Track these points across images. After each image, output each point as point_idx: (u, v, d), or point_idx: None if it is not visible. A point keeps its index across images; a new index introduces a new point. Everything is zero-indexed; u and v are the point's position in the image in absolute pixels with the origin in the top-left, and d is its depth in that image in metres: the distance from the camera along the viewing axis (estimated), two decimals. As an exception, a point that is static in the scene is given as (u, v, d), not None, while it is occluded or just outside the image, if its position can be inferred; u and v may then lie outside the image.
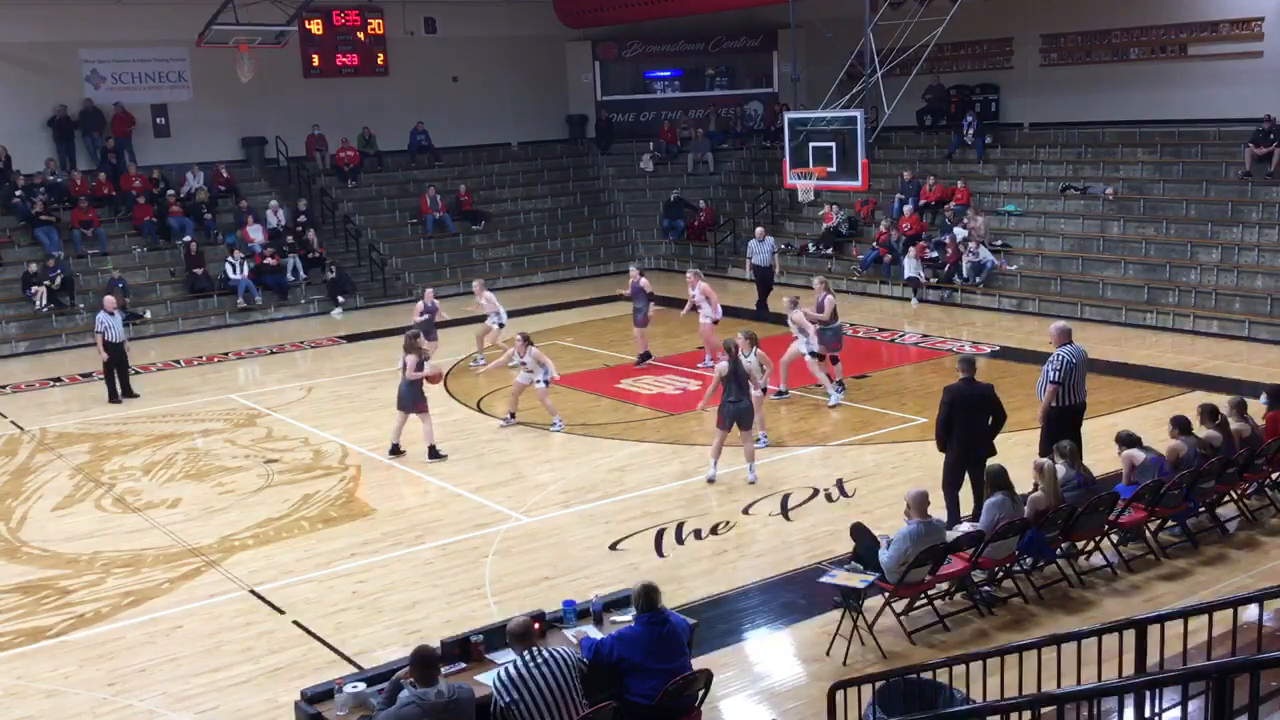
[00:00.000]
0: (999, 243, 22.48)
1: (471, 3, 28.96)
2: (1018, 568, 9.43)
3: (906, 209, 23.93)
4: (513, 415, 14.89)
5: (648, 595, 6.75)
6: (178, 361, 18.55)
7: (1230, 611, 6.56)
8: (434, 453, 13.58)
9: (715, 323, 17.04)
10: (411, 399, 13.52)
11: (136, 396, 17.40)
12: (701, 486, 12.33)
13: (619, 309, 22.70)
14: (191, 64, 25.63)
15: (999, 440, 10.75)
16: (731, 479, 12.51)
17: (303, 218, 25.38)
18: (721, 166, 30.10)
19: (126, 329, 21.90)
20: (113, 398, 17.25)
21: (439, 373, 14.40)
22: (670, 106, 31.35)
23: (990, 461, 9.98)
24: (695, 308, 17.10)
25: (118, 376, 17.30)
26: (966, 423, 10.41)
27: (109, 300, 17.62)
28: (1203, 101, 22.17)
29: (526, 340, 14.44)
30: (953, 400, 10.44)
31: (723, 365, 12.24)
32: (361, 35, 27.98)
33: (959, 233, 22.48)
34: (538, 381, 14.37)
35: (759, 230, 21.98)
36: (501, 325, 18.04)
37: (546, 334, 19.10)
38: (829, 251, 24.75)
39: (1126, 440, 10.42)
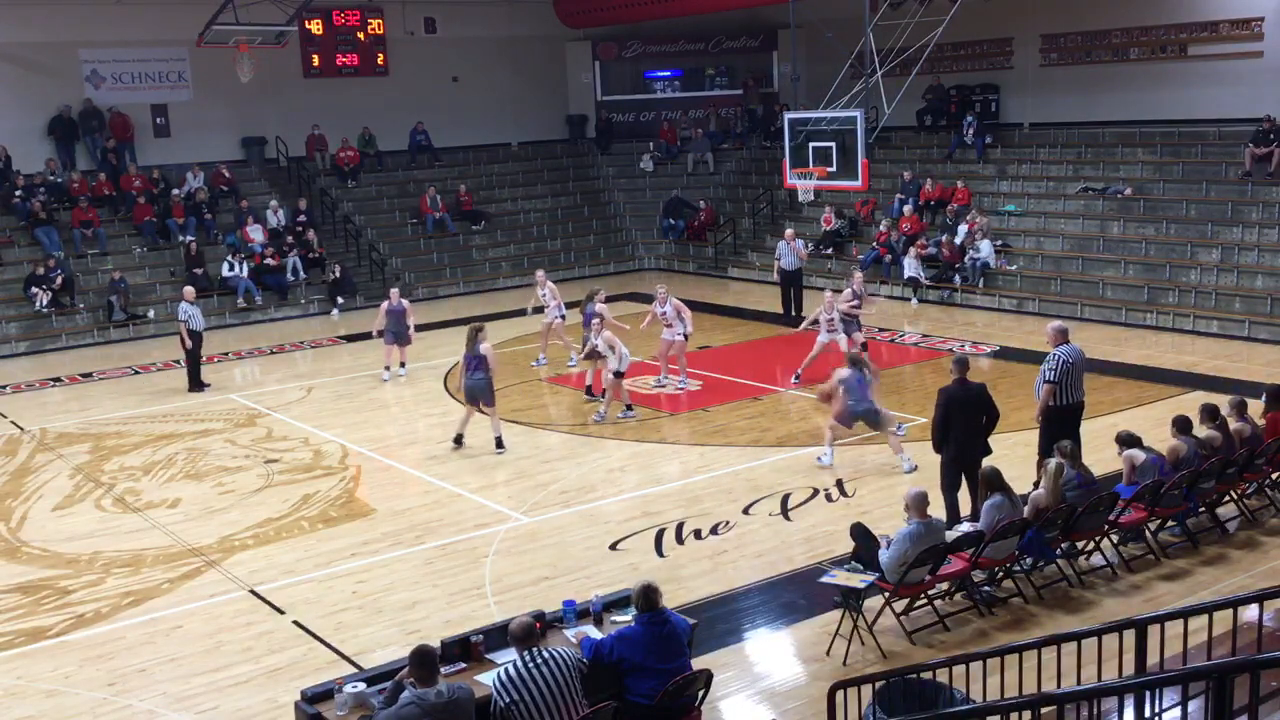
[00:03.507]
0: (999, 243, 22.47)
1: (471, 3, 28.97)
2: (1018, 568, 9.43)
3: (906, 209, 23.94)
4: (630, 407, 15.06)
5: (648, 595, 6.75)
6: (177, 361, 18.52)
7: (1230, 611, 6.55)
8: (499, 444, 13.69)
9: (686, 337, 16.24)
10: (482, 392, 13.52)
11: (208, 386, 17.62)
12: (702, 486, 12.33)
13: (619, 309, 22.70)
14: (191, 64, 25.64)
15: (996, 440, 10.76)
16: (731, 479, 12.51)
17: (303, 218, 25.39)
18: (721, 166, 30.11)
19: (128, 329, 22.17)
20: (193, 386, 17.53)
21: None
22: (670, 106, 31.36)
23: (984, 463, 9.97)
24: (668, 325, 16.20)
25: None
26: (962, 423, 10.42)
27: (189, 291, 17.95)
28: (1203, 101, 22.16)
29: (602, 323, 14.87)
30: (948, 402, 10.44)
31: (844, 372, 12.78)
32: (361, 35, 27.99)
33: (961, 230, 22.48)
34: (610, 371, 14.62)
35: (788, 232, 21.58)
36: (563, 318, 17.61)
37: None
38: (829, 251, 24.76)
39: (1126, 440, 10.42)
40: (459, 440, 13.91)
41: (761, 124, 30.19)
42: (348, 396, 16.97)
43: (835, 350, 15.90)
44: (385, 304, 17.50)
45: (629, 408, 14.98)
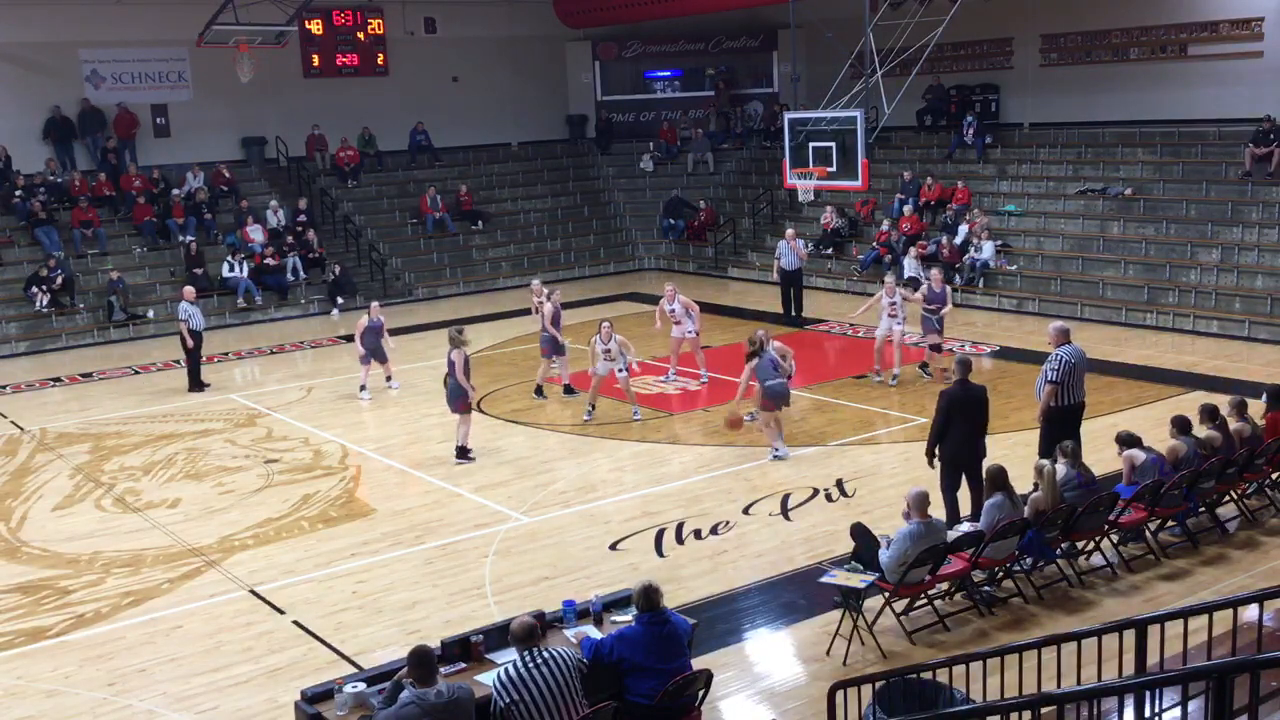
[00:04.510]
0: (999, 243, 22.48)
1: (471, 3, 28.97)
2: (1018, 568, 9.43)
3: (906, 209, 23.93)
4: (593, 407, 14.93)
5: (648, 595, 6.75)
6: (177, 361, 18.52)
7: (1230, 611, 6.55)
8: (462, 453, 13.49)
9: (696, 333, 16.53)
10: (458, 398, 13.35)
11: (208, 386, 17.58)
12: (702, 486, 12.34)
13: (619, 309, 22.72)
14: (191, 64, 25.64)
15: (998, 440, 10.76)
16: (731, 479, 12.52)
17: (303, 218, 25.39)
18: (721, 166, 30.11)
19: (128, 329, 22.18)
20: (193, 386, 17.49)
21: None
22: (670, 106, 31.35)
23: (990, 462, 9.96)
24: (677, 323, 16.44)
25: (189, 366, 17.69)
26: (964, 424, 10.40)
27: (189, 290, 17.89)
28: (1203, 101, 22.16)
29: (610, 326, 14.72)
30: (949, 405, 10.42)
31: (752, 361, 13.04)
32: (361, 35, 27.99)
33: (962, 230, 22.49)
34: (619, 370, 14.53)
35: (789, 232, 21.47)
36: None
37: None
38: (829, 251, 24.75)
39: (1126, 440, 10.42)
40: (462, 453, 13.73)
41: (739, 125, 30.35)
42: (348, 396, 16.95)
43: (891, 339, 16.00)
44: (365, 320, 16.54)
45: (592, 407, 14.93)
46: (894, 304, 16.00)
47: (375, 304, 17.41)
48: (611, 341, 14.48)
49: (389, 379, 17.13)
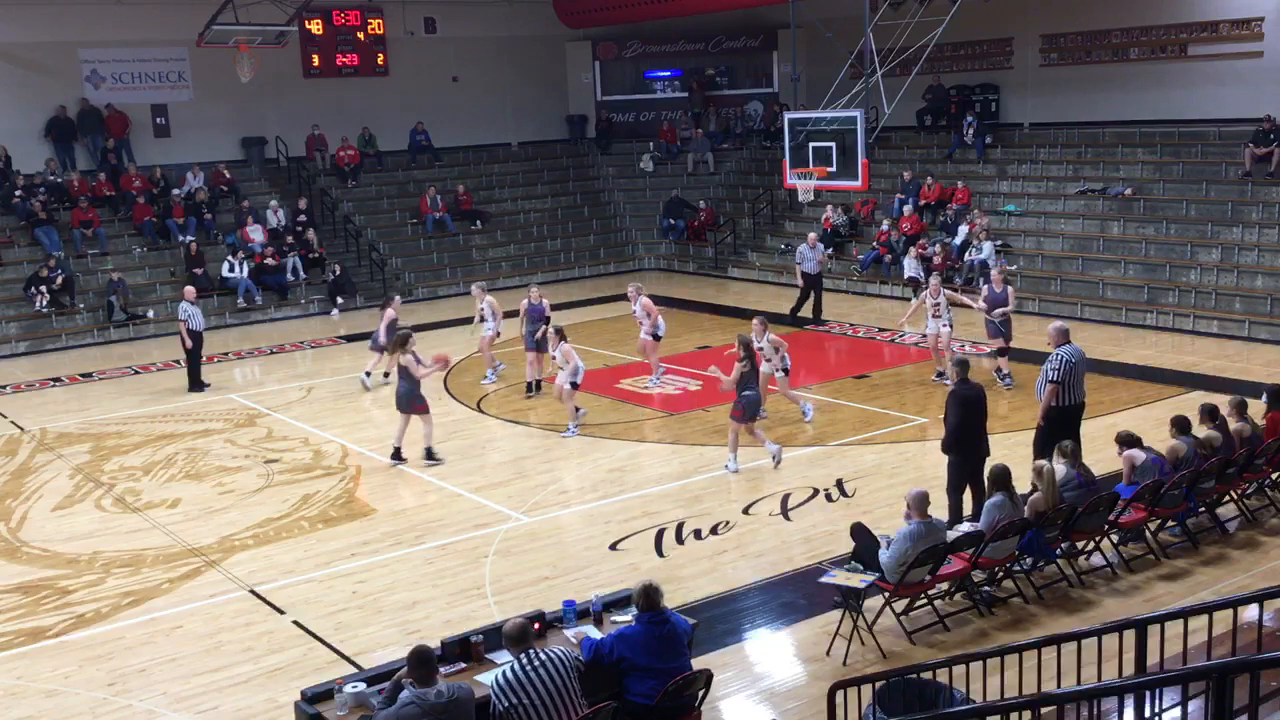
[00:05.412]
0: (999, 243, 22.47)
1: (471, 3, 28.98)
2: (1018, 568, 9.43)
3: (906, 209, 23.93)
4: (580, 411, 14.67)
5: (648, 595, 6.76)
6: (177, 361, 18.53)
7: (1230, 611, 6.56)
8: (430, 455, 13.49)
9: (657, 338, 16.43)
10: (410, 400, 13.40)
11: (208, 386, 17.58)
12: (702, 486, 12.33)
13: (619, 309, 22.70)
14: (191, 64, 25.64)
15: (998, 440, 10.75)
16: (732, 479, 12.51)
17: (303, 218, 25.39)
18: (721, 166, 30.11)
19: (128, 329, 22.18)
20: (193, 386, 17.51)
21: (445, 358, 14.03)
22: (670, 106, 31.36)
23: (993, 462, 9.96)
24: (640, 323, 16.44)
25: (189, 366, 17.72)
26: (972, 424, 10.41)
27: (189, 290, 17.92)
28: (1203, 101, 22.17)
29: (560, 334, 14.46)
30: (961, 403, 10.40)
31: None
32: (361, 35, 28.01)
33: (962, 230, 22.48)
34: (565, 380, 14.29)
35: (811, 236, 21.20)
36: (498, 334, 17.16)
37: (546, 334, 19.05)
38: (829, 251, 24.71)
39: (1126, 440, 10.42)
40: (397, 454, 13.52)
41: (739, 125, 30.44)
42: (348, 396, 16.96)
43: (940, 340, 15.82)
44: (391, 312, 16.77)
45: (572, 424, 14.50)
46: (938, 304, 15.76)
47: (398, 297, 18.00)
48: (556, 350, 14.30)
49: (368, 374, 17.23)
